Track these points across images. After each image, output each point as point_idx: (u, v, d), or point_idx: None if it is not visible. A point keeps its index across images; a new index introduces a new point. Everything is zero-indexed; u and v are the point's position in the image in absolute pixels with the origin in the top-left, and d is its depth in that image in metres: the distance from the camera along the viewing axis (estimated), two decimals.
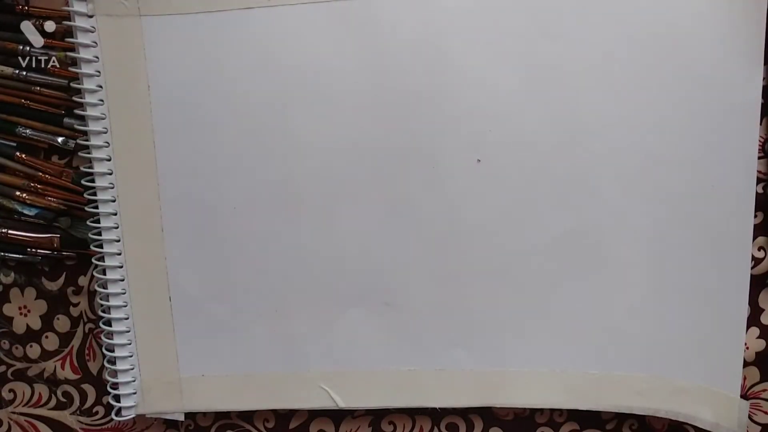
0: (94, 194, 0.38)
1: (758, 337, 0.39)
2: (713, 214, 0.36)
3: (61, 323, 0.42)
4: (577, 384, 0.38)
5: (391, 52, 0.36)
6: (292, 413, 0.42)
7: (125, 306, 0.39)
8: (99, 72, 0.37)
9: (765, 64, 0.35)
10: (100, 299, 0.39)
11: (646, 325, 0.37)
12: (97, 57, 0.37)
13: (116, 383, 0.40)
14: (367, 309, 0.39)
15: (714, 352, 0.38)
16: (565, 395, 0.38)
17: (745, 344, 0.38)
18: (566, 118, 0.36)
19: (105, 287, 0.39)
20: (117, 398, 0.40)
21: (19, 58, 0.38)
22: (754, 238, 0.38)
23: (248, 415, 0.42)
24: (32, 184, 0.40)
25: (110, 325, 0.40)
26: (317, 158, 0.38)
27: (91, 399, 0.43)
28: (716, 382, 0.38)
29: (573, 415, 0.41)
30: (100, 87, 0.37)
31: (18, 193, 0.40)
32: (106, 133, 0.38)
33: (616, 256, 0.37)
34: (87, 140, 0.38)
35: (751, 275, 0.38)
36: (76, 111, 0.38)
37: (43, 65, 0.39)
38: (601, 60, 0.35)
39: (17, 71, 0.38)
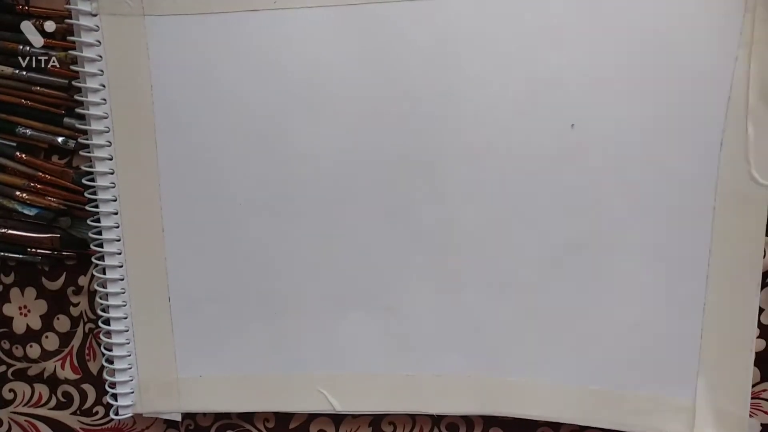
0: (95, 194, 0.38)
1: (758, 337, 0.39)
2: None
3: (61, 323, 0.42)
4: (576, 398, 0.38)
5: (395, 58, 0.36)
6: (292, 413, 0.42)
7: (124, 305, 0.40)
8: (102, 71, 0.37)
9: None
10: (100, 299, 0.39)
11: (648, 341, 0.37)
12: (100, 56, 0.37)
13: (114, 382, 0.40)
14: (367, 313, 0.39)
15: (720, 371, 0.37)
16: (564, 409, 0.38)
17: None
18: (569, 127, 0.36)
19: (105, 287, 0.39)
20: (115, 397, 0.41)
21: (19, 58, 0.38)
22: None
23: (248, 415, 0.42)
24: (32, 184, 0.40)
25: (109, 325, 0.40)
26: (319, 161, 0.37)
27: (91, 399, 0.43)
28: (722, 401, 0.37)
29: None
30: (103, 86, 0.37)
31: (18, 193, 0.40)
32: (108, 132, 0.38)
33: (617, 268, 0.37)
34: (88, 139, 0.38)
35: None
36: (78, 110, 0.38)
37: (43, 65, 0.38)
38: (605, 70, 0.35)
39: (17, 71, 0.38)
